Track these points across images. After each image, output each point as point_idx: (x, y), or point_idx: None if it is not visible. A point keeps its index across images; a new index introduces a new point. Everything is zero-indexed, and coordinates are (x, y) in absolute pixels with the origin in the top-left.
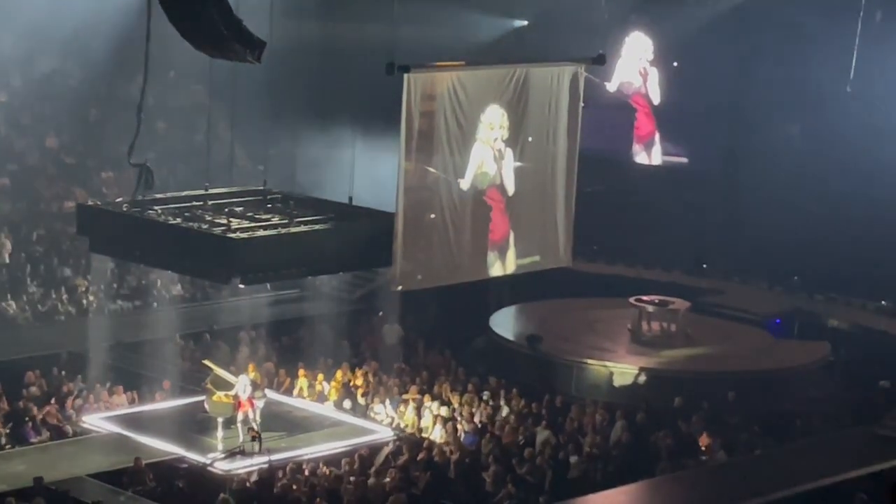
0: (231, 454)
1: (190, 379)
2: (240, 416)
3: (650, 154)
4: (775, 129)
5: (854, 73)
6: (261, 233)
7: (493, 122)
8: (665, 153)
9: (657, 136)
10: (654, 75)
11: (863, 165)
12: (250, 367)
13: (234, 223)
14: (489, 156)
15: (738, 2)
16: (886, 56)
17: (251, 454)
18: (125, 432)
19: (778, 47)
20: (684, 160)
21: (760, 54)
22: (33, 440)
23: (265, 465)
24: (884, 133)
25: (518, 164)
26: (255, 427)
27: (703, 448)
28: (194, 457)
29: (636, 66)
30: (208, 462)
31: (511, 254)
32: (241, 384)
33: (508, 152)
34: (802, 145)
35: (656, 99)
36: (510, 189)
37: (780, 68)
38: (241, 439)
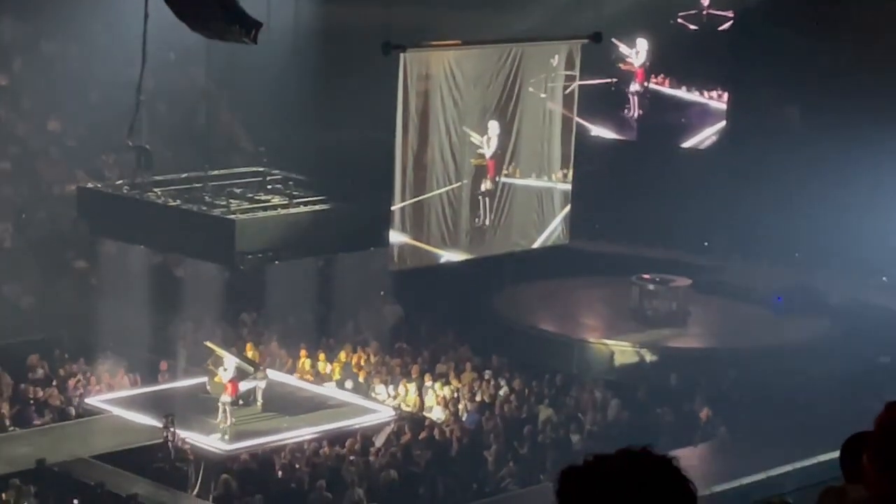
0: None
1: (192, 360)
2: (226, 398)
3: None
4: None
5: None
6: (260, 214)
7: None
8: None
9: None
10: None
11: None
12: (247, 346)
13: (234, 204)
14: (485, 140)
15: None
16: None
17: (169, 439)
18: (127, 414)
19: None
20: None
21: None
22: (36, 422)
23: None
24: None
25: (514, 143)
26: (228, 413)
27: (703, 418)
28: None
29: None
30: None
31: (510, 232)
32: (227, 365)
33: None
34: (802, 128)
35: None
36: (507, 168)
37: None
38: (228, 421)
